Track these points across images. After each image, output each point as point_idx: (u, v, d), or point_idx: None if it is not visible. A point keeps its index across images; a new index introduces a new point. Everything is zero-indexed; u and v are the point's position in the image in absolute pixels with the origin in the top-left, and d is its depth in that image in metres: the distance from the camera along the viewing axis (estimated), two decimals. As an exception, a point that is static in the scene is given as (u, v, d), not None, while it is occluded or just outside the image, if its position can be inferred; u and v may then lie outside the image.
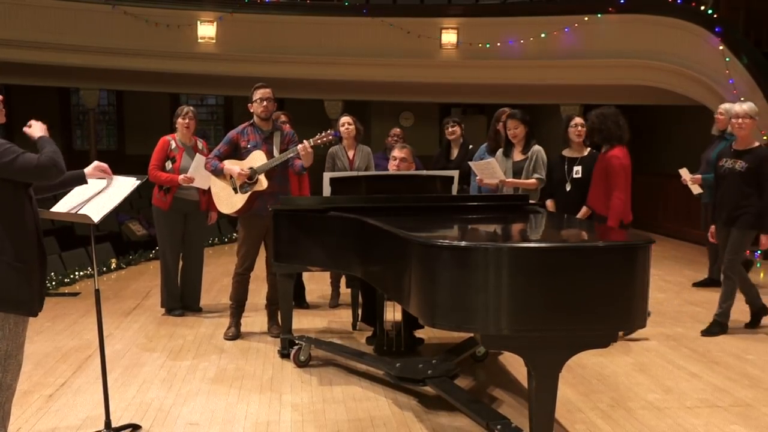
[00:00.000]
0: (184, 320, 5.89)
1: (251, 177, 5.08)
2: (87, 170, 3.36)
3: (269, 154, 5.13)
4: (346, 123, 6.15)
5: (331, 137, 5.09)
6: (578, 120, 5.46)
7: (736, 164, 5.22)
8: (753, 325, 5.54)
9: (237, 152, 5.22)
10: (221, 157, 5.20)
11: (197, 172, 5.63)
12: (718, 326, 5.41)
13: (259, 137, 5.20)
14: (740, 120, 5.23)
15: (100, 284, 3.66)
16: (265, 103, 5.16)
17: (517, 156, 5.52)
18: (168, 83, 12.52)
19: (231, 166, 5.13)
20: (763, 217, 5.11)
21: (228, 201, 5.21)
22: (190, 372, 4.59)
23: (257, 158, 5.10)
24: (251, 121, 5.27)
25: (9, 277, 2.89)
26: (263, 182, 5.07)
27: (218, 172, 5.18)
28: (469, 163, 5.66)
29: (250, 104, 5.23)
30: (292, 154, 5.05)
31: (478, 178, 5.58)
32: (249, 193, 5.10)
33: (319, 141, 5.07)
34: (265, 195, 5.09)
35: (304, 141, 5.05)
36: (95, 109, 13.54)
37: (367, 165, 6.16)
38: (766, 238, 5.15)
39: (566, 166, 5.40)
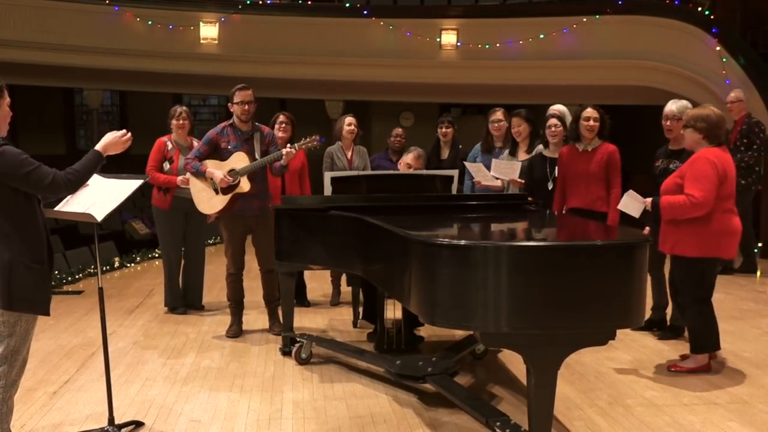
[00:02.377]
0: (186, 318, 5.93)
1: (233, 179, 5.08)
2: (103, 146, 3.23)
3: (251, 156, 5.12)
4: (353, 124, 6.18)
5: (316, 143, 5.14)
6: (554, 121, 5.35)
7: (670, 164, 5.06)
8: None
9: (217, 152, 5.18)
10: (201, 158, 5.16)
11: None
12: (672, 331, 5.27)
13: (239, 138, 5.18)
14: (668, 122, 5.06)
15: (103, 282, 3.70)
16: (246, 106, 5.12)
17: (522, 156, 5.55)
18: (171, 83, 12.58)
19: (213, 169, 5.09)
20: None
21: (209, 202, 5.19)
22: (192, 369, 4.62)
23: (240, 160, 5.09)
24: (230, 121, 5.23)
25: (28, 279, 2.96)
26: (246, 185, 5.07)
27: (199, 174, 5.14)
28: (494, 160, 5.59)
29: (230, 104, 5.19)
30: (276, 158, 5.05)
31: (476, 179, 5.62)
32: (231, 194, 5.10)
33: (304, 146, 5.13)
34: (246, 195, 5.10)
35: (288, 145, 5.09)
36: (99, 109, 13.63)
37: (364, 165, 6.22)
38: None
39: (548, 166, 5.32)
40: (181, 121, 5.89)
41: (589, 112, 5.07)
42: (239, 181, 5.08)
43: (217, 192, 5.14)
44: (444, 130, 6.43)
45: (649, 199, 4.45)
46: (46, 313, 3.07)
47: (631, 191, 4.59)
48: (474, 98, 12.67)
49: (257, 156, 5.15)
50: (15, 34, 11.05)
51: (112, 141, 3.28)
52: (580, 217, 4.74)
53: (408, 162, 5.49)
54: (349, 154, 6.19)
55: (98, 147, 3.23)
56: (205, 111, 17.16)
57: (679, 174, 4.37)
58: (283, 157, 5.00)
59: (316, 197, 5.09)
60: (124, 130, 3.35)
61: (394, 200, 4.48)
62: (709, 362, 4.54)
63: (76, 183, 3.08)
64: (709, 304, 4.48)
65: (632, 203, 4.57)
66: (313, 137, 5.15)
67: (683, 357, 4.73)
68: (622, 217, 4.92)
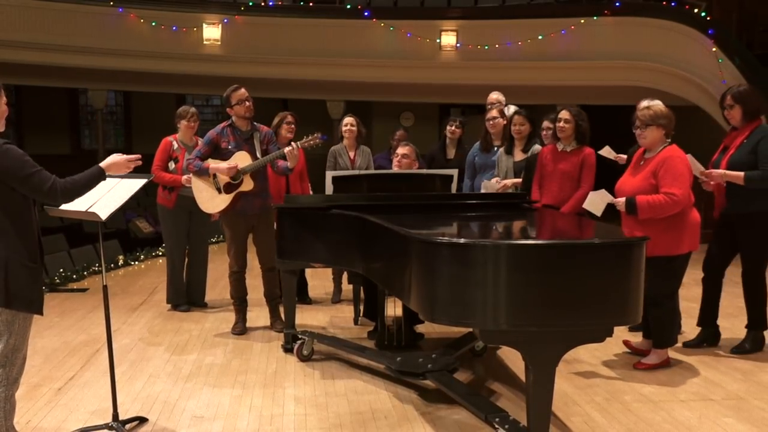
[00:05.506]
0: (189, 315, 5.98)
1: (236, 177, 5.13)
2: (106, 164, 3.23)
3: (252, 155, 5.17)
4: (349, 124, 6.25)
5: (318, 141, 5.17)
6: (548, 123, 5.39)
7: None
8: None
9: (217, 153, 5.22)
10: (203, 158, 5.20)
11: None
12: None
13: (239, 138, 5.23)
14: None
15: (107, 280, 3.75)
16: (247, 103, 5.19)
17: (518, 156, 5.60)
18: (174, 84, 12.66)
19: (216, 164, 5.14)
20: None
21: (211, 201, 5.23)
22: (195, 366, 4.67)
23: (242, 159, 5.14)
24: (230, 122, 5.28)
25: (23, 277, 2.99)
26: (249, 183, 5.12)
27: (203, 173, 5.17)
28: (484, 184, 5.63)
29: (229, 108, 5.22)
30: (278, 156, 5.11)
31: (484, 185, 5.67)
32: (233, 193, 5.15)
33: (306, 144, 5.16)
34: (247, 194, 5.15)
35: (292, 143, 5.14)
36: (103, 109, 13.70)
37: (367, 165, 6.27)
38: None
39: None
40: (192, 123, 5.97)
41: (562, 114, 5.08)
42: (242, 180, 5.13)
43: (219, 191, 5.19)
44: (452, 128, 6.50)
45: (622, 199, 4.36)
46: (40, 312, 3.09)
47: (603, 190, 4.47)
48: (473, 98, 12.69)
49: (258, 155, 5.20)
50: (20, 35, 11.12)
51: (117, 161, 3.26)
52: (579, 216, 4.79)
53: (398, 152, 5.50)
54: (351, 154, 6.25)
55: (102, 164, 3.22)
56: (208, 111, 17.24)
57: (651, 174, 4.33)
58: (288, 156, 5.03)
59: (318, 196, 5.13)
60: (135, 156, 3.34)
61: (394, 199, 4.52)
62: (668, 357, 4.64)
63: (72, 193, 3.07)
64: (676, 298, 4.61)
65: (599, 202, 4.41)
66: (315, 135, 5.19)
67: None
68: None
